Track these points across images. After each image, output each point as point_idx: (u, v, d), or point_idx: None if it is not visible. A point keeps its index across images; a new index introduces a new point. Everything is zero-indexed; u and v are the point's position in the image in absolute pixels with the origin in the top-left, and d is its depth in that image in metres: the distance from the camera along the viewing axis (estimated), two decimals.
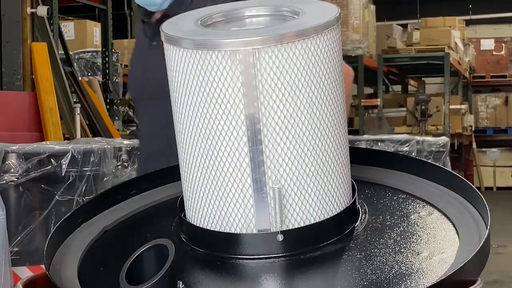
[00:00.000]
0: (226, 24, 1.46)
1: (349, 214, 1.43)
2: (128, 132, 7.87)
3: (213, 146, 1.35)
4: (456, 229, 1.40)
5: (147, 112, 2.11)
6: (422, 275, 1.29)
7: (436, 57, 11.10)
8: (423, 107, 10.52)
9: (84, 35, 7.93)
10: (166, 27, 1.41)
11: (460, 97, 12.88)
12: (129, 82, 2.17)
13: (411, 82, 14.28)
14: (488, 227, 1.34)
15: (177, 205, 1.49)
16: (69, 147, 2.70)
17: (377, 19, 11.10)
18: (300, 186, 1.35)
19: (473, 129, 13.61)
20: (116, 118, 7.65)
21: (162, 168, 1.68)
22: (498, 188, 14.22)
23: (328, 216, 1.38)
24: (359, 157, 1.60)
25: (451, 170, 1.58)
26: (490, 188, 14.16)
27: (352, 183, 1.47)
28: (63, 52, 6.20)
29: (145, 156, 2.15)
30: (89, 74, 7.89)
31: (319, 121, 1.35)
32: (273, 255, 1.35)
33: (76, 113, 5.44)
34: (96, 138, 3.57)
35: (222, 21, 1.46)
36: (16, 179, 2.52)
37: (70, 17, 8.48)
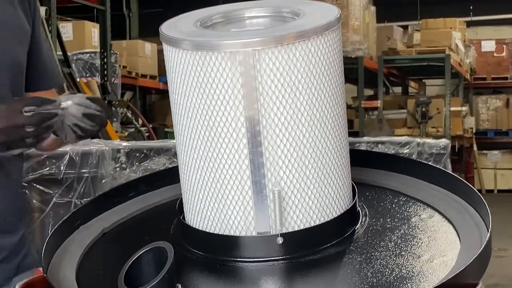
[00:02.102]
0: (226, 25, 1.46)
1: (350, 216, 1.43)
2: (126, 133, 7.87)
3: (212, 148, 1.35)
4: (457, 232, 1.40)
5: None
6: (423, 278, 1.29)
7: (437, 59, 11.10)
8: (423, 109, 10.52)
9: (83, 36, 7.93)
10: (166, 28, 1.41)
11: (461, 99, 12.88)
12: None
13: (412, 83, 14.28)
14: (490, 230, 1.34)
15: (176, 207, 1.49)
16: (67, 149, 2.70)
17: (378, 20, 11.10)
18: (300, 188, 1.35)
19: (474, 131, 13.61)
20: (115, 119, 7.64)
21: (161, 170, 1.68)
22: (499, 191, 14.21)
23: (328, 219, 1.38)
24: (359, 159, 1.60)
25: (452, 173, 1.59)
26: (491, 191, 14.16)
27: (352, 185, 1.47)
28: (61, 53, 6.19)
29: None
30: (88, 75, 7.88)
31: (319, 123, 1.35)
32: (273, 258, 1.35)
33: None
34: (94, 140, 3.57)
35: (222, 22, 1.46)
36: None
37: (68, 18, 8.48)
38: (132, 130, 8.31)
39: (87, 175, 2.73)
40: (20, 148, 1.61)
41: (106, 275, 1.40)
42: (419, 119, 10.55)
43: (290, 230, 1.35)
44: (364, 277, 1.30)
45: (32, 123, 1.56)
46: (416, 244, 1.39)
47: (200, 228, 1.40)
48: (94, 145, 2.90)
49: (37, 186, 2.59)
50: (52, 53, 1.95)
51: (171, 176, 1.62)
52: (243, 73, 1.30)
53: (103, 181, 2.82)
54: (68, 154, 2.68)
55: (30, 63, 1.88)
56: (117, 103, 8.21)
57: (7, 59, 1.79)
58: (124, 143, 3.39)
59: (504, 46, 14.71)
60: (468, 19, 14.56)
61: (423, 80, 14.40)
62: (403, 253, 1.36)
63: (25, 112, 1.56)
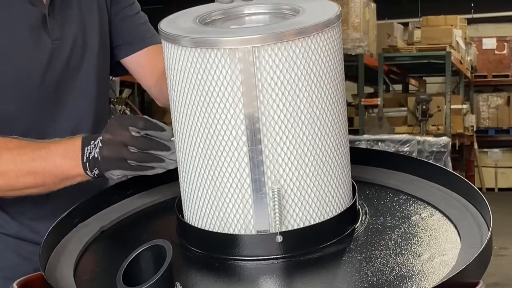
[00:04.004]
0: (225, 22, 1.46)
1: (350, 215, 1.43)
2: None
3: (211, 146, 1.35)
4: (457, 231, 1.40)
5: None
6: (423, 277, 1.29)
7: (437, 56, 11.08)
8: (424, 106, 10.50)
9: None
10: (164, 25, 1.41)
11: (462, 97, 12.86)
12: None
13: (412, 81, 14.29)
14: (490, 229, 1.34)
15: (175, 205, 1.49)
16: None
17: (378, 18, 11.08)
18: (299, 186, 1.35)
19: (474, 129, 13.61)
20: (113, 116, 7.65)
21: None
22: (500, 189, 14.23)
23: (328, 217, 1.38)
24: (359, 157, 1.60)
25: (452, 171, 1.59)
26: (492, 189, 14.18)
27: (353, 183, 1.47)
28: None
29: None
30: None
31: (320, 121, 1.35)
32: (272, 257, 1.35)
33: None
34: None
35: (221, 19, 1.46)
36: None
37: None
38: None
39: None
40: (121, 170, 1.51)
41: (104, 273, 1.40)
42: (420, 117, 10.54)
43: (290, 228, 1.35)
44: (364, 276, 1.31)
45: (135, 145, 1.48)
46: (416, 243, 1.39)
47: (199, 226, 1.40)
48: None
49: None
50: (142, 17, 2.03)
51: (169, 174, 1.62)
52: (243, 70, 1.30)
53: None
54: None
55: (121, 31, 1.95)
56: (115, 100, 8.21)
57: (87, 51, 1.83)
58: None
59: (505, 43, 14.72)
60: (469, 16, 14.56)
61: (424, 78, 14.40)
62: (403, 252, 1.36)
63: (131, 131, 1.48)
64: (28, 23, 1.73)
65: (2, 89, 1.71)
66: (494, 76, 14.78)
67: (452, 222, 1.43)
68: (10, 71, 1.71)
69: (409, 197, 1.54)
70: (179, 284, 1.26)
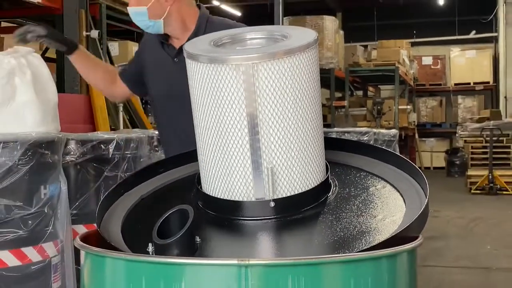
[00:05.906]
0: (232, 44, 1.46)
1: (324, 187, 1.43)
2: None
3: (222, 136, 1.35)
4: (403, 198, 1.40)
5: (163, 107, 2.13)
6: (378, 232, 1.29)
7: (389, 70, 11.05)
8: (378, 107, 10.48)
9: (126, 53, 7.89)
10: (188, 47, 1.40)
11: (406, 100, 12.82)
12: (151, 86, 2.16)
13: (370, 88, 14.25)
14: (427, 196, 1.34)
15: (195, 179, 1.49)
16: (115, 136, 2.68)
17: (345, 41, 11.06)
18: (287, 165, 1.35)
19: (415, 124, 13.58)
20: (150, 114, 7.62)
21: (182, 153, 1.68)
22: (434, 168, 14.22)
23: (308, 188, 1.38)
24: (331, 144, 1.60)
25: (399, 154, 1.58)
26: (428, 168, 14.16)
27: (326, 164, 1.46)
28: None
29: (161, 140, 2.28)
30: None
31: (302, 117, 1.34)
32: (267, 217, 1.35)
33: (120, 111, 5.42)
34: (134, 129, 3.55)
35: (229, 42, 1.46)
36: (75, 160, 2.50)
37: (115, 39, 8.44)
38: None
39: (129, 155, 2.72)
40: None
41: (143, 229, 1.40)
42: (375, 115, 10.51)
43: (280, 196, 1.35)
44: (334, 232, 1.31)
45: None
46: (373, 207, 1.39)
47: (213, 195, 1.40)
48: (135, 133, 2.88)
49: (93, 163, 2.58)
50: None
51: (191, 156, 1.62)
52: (245, 80, 1.30)
53: (141, 160, 2.81)
54: (115, 140, 2.66)
55: None
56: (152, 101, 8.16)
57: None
58: (157, 132, 3.36)
59: (439, 60, 14.70)
60: (412, 40, 14.50)
61: (379, 86, 14.36)
62: (363, 214, 1.36)
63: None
64: (164, 64, 2.09)
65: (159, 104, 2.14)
66: (430, 85, 14.74)
67: (399, 192, 1.43)
68: (158, 92, 2.12)
69: (367, 173, 1.54)
70: (198, 237, 1.27)
